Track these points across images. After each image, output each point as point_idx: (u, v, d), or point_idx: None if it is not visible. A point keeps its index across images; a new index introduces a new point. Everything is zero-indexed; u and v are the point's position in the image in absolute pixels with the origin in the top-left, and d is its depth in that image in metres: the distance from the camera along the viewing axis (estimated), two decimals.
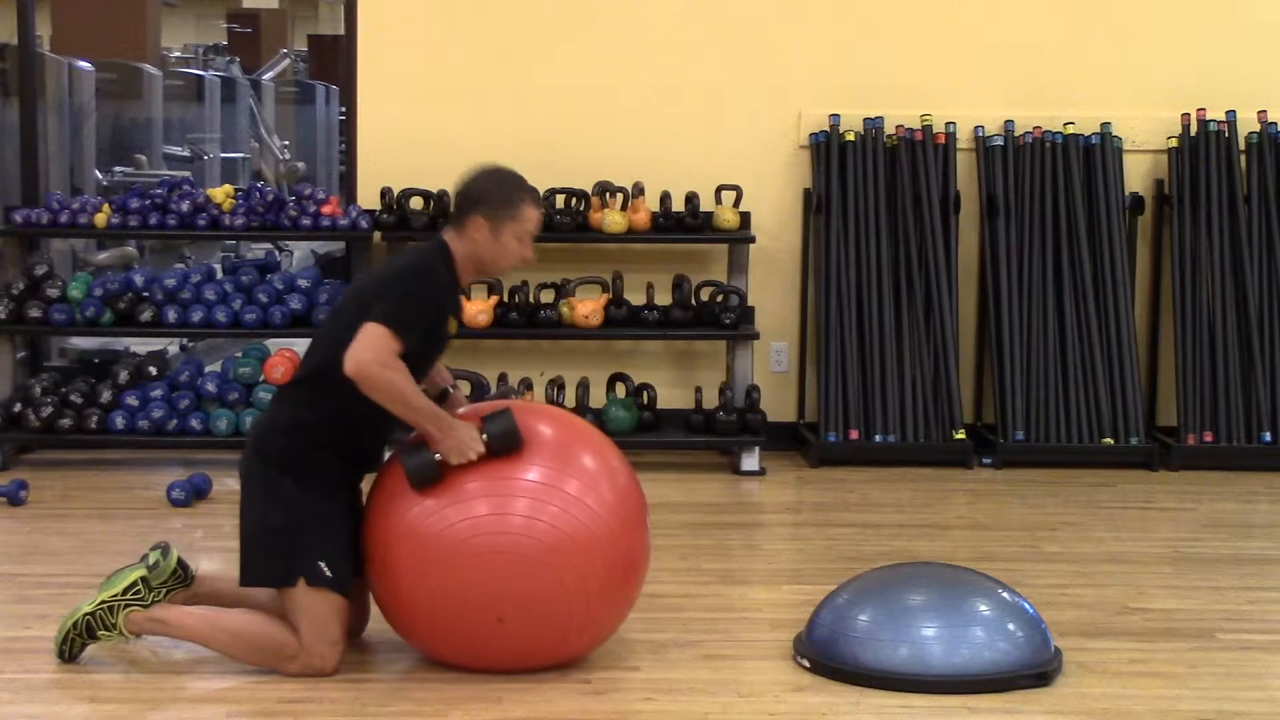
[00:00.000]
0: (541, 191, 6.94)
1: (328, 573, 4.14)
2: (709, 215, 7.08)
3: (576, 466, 4.18)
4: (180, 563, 4.35)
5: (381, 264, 4.40)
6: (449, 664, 4.24)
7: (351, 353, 4.05)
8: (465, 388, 6.56)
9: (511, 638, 4.11)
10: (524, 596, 4.05)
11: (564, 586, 4.06)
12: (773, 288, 7.34)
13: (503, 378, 6.95)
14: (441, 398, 4.41)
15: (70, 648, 4.23)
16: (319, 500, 4.18)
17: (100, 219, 7.03)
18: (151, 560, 4.30)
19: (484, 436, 4.10)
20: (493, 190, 4.25)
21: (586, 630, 4.19)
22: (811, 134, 7.28)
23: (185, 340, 8.57)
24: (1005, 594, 4.35)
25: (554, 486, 4.10)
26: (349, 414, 4.17)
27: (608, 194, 7.01)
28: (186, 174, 10.55)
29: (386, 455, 4.35)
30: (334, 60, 16.60)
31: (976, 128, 7.29)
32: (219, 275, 7.34)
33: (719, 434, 6.88)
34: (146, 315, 6.89)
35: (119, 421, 6.76)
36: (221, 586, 4.42)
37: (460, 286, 4.35)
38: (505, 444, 4.10)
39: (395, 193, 7.05)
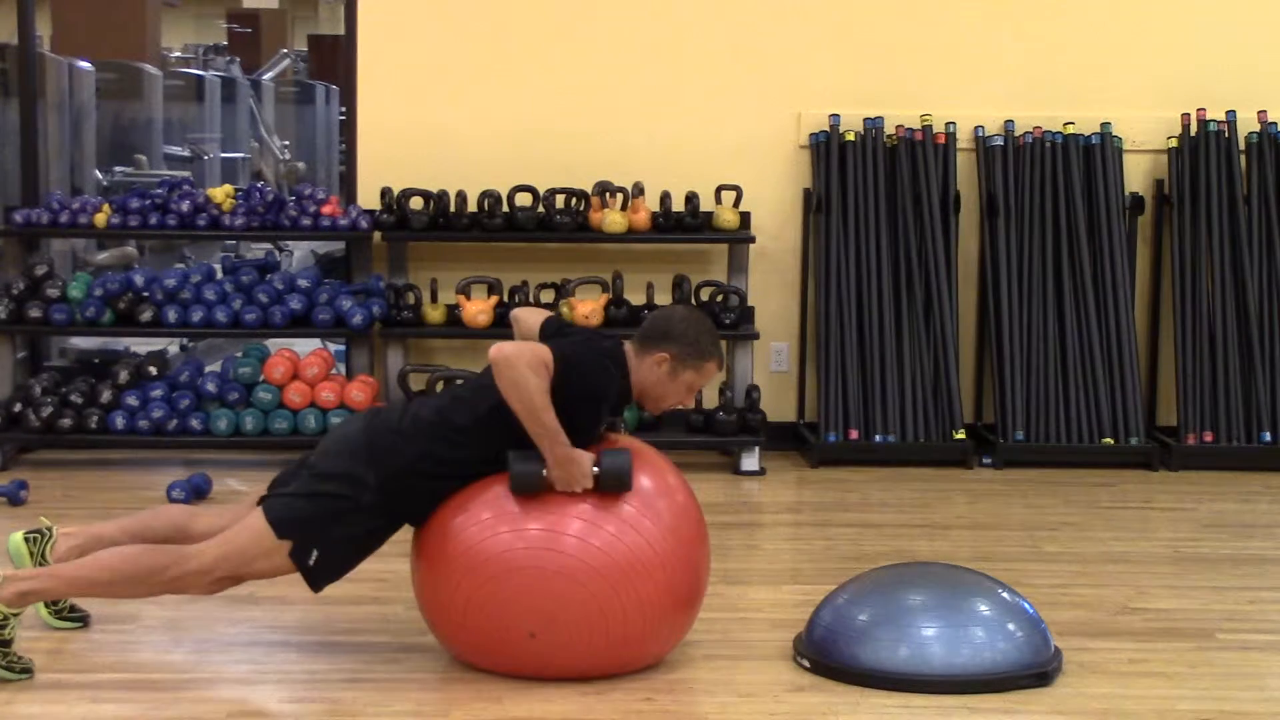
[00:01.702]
0: (541, 191, 7.01)
1: (310, 563, 4.14)
2: (709, 215, 7.08)
3: (636, 492, 4.14)
4: (29, 535, 4.46)
5: (568, 350, 4.32)
6: (470, 665, 4.25)
7: (503, 344, 4.06)
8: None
9: (542, 653, 4.10)
10: (560, 615, 4.04)
11: (601, 610, 4.04)
12: (773, 288, 7.34)
13: None
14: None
15: (9, 665, 4.14)
16: (372, 519, 4.17)
17: (100, 219, 7.03)
18: None
19: (596, 470, 4.09)
20: (689, 334, 4.30)
21: (626, 651, 4.17)
22: (811, 134, 7.28)
23: (185, 340, 8.57)
24: (1005, 594, 4.35)
25: (610, 510, 4.10)
26: (452, 476, 4.19)
27: (608, 194, 7.01)
28: (186, 174, 10.58)
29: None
30: (334, 60, 16.60)
31: (976, 128, 7.29)
32: (219, 275, 7.34)
33: (719, 434, 6.88)
34: (146, 315, 6.89)
35: (119, 421, 6.76)
36: (102, 532, 4.47)
37: (624, 397, 4.33)
38: (615, 484, 4.10)
39: (395, 193, 7.05)
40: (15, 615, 4.15)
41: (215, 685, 4.20)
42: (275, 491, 4.26)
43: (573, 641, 4.08)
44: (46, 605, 4.54)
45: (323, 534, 4.15)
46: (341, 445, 4.27)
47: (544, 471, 4.07)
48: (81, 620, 4.59)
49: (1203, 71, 7.35)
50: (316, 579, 4.21)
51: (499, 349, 4.05)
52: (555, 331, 4.40)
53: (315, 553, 4.15)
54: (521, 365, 4.03)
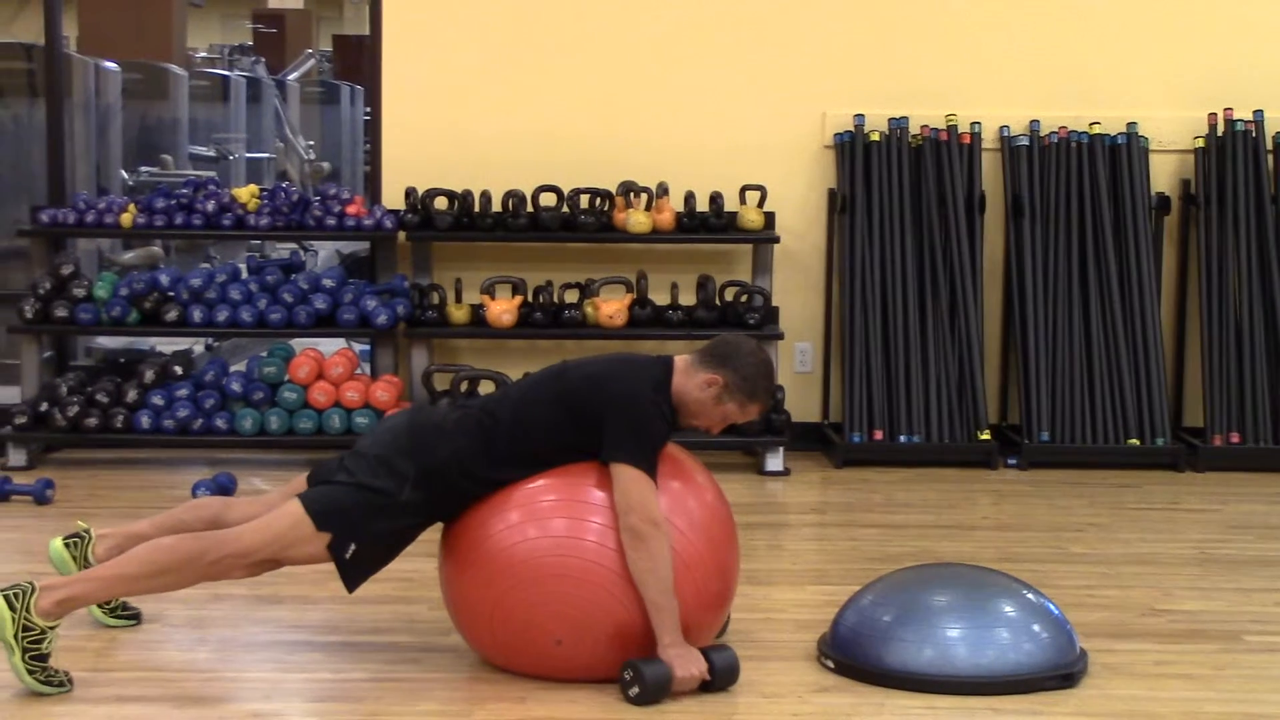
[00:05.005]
0: (565, 191, 7.01)
1: (346, 556, 4.13)
2: (733, 215, 7.08)
3: (665, 491, 4.12)
4: (68, 540, 4.45)
5: (598, 368, 4.33)
6: (495, 665, 4.25)
7: (633, 504, 4.01)
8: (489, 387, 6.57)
9: (570, 659, 4.09)
10: (587, 623, 4.03)
11: (629, 616, 4.02)
12: (797, 288, 7.33)
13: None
14: None
15: (48, 679, 4.03)
16: (411, 515, 4.17)
17: (126, 219, 7.05)
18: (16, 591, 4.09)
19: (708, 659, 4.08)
20: (750, 370, 4.29)
21: (653, 654, 4.13)
22: (836, 134, 7.27)
23: (210, 340, 8.58)
24: (1030, 595, 4.34)
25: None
26: (487, 480, 4.18)
27: (632, 194, 7.01)
28: (212, 174, 10.57)
29: None
30: (359, 60, 16.62)
31: (1002, 127, 7.27)
32: (244, 275, 7.35)
33: (743, 434, 6.86)
34: (172, 315, 6.91)
35: (144, 421, 6.78)
36: (137, 529, 4.44)
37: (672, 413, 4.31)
38: (726, 679, 4.10)
39: (420, 193, 7.06)
40: (53, 628, 4.04)
41: (238, 684, 4.21)
42: (316, 483, 4.26)
43: (600, 647, 4.06)
44: (99, 604, 4.50)
45: (362, 527, 4.13)
46: (387, 438, 4.26)
47: (671, 674, 4.00)
48: (134, 618, 4.59)
49: (1229, 71, 7.32)
50: (351, 576, 4.17)
51: (643, 521, 3.99)
52: None
53: (353, 546, 4.12)
54: (661, 535, 4.01)
